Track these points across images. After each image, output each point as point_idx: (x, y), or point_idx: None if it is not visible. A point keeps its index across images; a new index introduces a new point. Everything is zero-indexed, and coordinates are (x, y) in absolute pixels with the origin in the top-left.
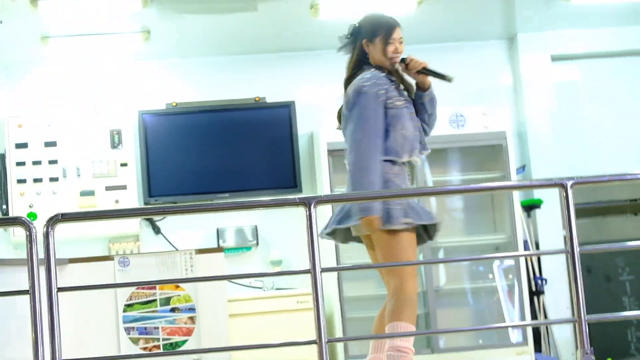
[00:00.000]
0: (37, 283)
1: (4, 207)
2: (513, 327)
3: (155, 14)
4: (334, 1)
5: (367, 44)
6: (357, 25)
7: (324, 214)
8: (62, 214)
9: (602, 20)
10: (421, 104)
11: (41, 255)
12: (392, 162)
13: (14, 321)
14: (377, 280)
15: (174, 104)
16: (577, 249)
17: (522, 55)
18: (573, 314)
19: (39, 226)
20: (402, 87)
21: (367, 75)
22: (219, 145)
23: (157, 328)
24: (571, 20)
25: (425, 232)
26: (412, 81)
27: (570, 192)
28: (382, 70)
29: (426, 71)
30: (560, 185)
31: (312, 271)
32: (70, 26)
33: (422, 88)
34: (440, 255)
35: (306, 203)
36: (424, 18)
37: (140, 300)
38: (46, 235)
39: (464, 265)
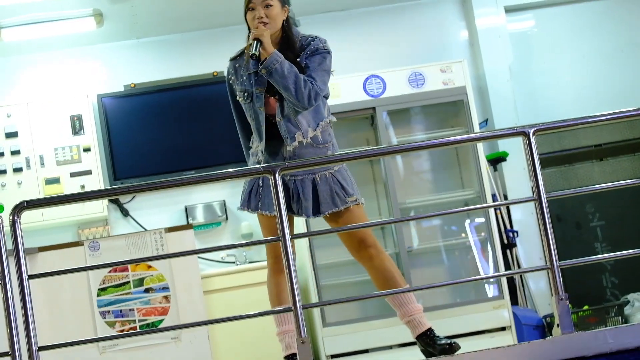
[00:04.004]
0: (7, 272)
1: None
2: (485, 278)
3: None
4: None
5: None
6: None
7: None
8: (27, 201)
9: None
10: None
11: (9, 245)
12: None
13: None
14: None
15: (133, 85)
16: (544, 196)
17: (476, 9)
18: (546, 262)
19: (5, 216)
20: (256, 74)
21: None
22: (180, 123)
23: (133, 310)
24: None
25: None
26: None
27: (533, 139)
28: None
29: (252, 48)
30: (523, 133)
31: (281, 238)
32: (21, 15)
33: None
34: (410, 214)
35: (271, 171)
36: None
37: (113, 284)
38: (13, 224)
39: (435, 224)
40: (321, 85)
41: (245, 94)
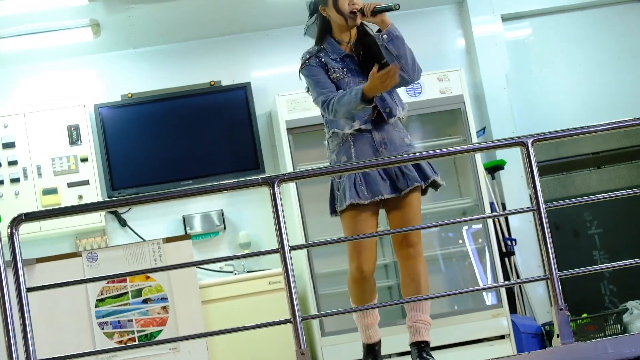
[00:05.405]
0: (6, 284)
1: None
2: (485, 289)
3: (102, 6)
4: None
5: (325, 10)
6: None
7: (288, 193)
8: (25, 214)
9: None
10: (385, 49)
11: (7, 257)
12: (335, 134)
13: None
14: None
15: (130, 95)
16: (543, 206)
17: (472, 18)
18: (544, 272)
19: (2, 228)
20: (347, 55)
21: (305, 52)
22: (178, 133)
23: (131, 320)
24: None
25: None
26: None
27: (531, 149)
28: (334, 42)
29: (379, 10)
30: (521, 143)
31: (280, 250)
32: (18, 26)
33: (382, 29)
34: None
35: (269, 182)
36: None
37: (111, 294)
38: (11, 237)
39: (433, 232)
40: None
41: (345, 69)
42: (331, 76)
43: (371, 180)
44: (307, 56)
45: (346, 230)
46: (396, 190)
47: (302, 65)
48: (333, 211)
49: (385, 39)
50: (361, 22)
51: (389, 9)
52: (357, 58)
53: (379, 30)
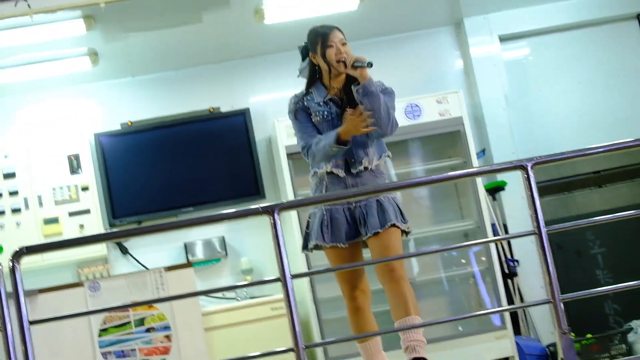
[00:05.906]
0: (8, 318)
1: None
2: (489, 314)
3: (100, 35)
4: (277, 5)
5: (314, 57)
6: (303, 44)
7: (289, 219)
8: (27, 247)
9: None
10: (359, 102)
11: (9, 288)
12: (315, 174)
13: None
14: None
15: (129, 123)
16: (544, 230)
17: (470, 39)
18: (547, 294)
19: (4, 261)
20: (331, 99)
21: (292, 95)
22: (178, 160)
23: (134, 350)
24: (514, 0)
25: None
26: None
27: (531, 172)
28: (321, 87)
29: (357, 65)
30: (521, 167)
31: (282, 279)
32: (17, 56)
33: (360, 82)
34: (411, 246)
35: (269, 211)
36: (368, 13)
37: (114, 324)
38: (12, 270)
39: (435, 254)
40: (396, 118)
41: (325, 112)
42: (313, 120)
43: (337, 225)
44: (294, 100)
45: (331, 259)
46: (358, 235)
47: (288, 110)
48: (305, 247)
49: (360, 93)
50: None
51: (364, 65)
52: (340, 103)
53: (358, 83)
